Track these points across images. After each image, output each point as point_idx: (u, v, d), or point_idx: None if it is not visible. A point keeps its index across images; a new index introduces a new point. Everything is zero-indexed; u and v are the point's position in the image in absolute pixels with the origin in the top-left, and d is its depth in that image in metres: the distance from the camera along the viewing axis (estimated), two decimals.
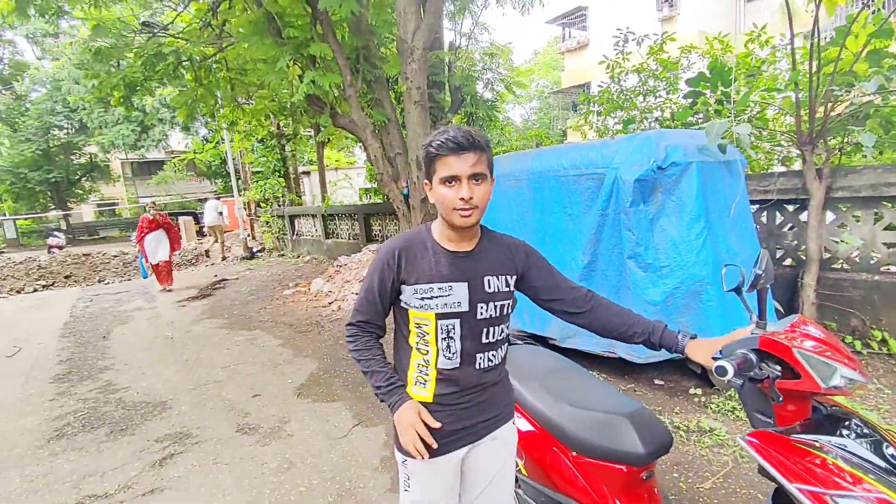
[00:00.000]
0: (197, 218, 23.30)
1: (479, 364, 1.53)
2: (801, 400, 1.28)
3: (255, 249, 15.30)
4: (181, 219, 21.17)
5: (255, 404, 4.21)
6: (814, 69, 3.81)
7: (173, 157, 27.64)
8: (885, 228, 4.01)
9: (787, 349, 1.21)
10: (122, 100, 8.18)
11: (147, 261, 10.18)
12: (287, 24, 6.30)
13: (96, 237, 30.22)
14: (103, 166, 30.44)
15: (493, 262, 1.53)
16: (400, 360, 1.61)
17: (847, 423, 1.27)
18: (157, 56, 7.82)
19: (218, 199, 17.48)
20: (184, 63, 8.33)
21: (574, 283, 1.65)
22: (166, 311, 8.40)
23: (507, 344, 1.65)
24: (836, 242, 4.23)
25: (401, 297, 1.51)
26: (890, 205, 3.95)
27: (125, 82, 7.83)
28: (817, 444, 1.20)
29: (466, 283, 1.47)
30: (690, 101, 4.89)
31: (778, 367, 1.24)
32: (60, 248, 19.10)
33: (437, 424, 1.47)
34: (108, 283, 12.45)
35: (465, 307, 1.47)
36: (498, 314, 1.52)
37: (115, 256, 14.63)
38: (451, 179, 1.38)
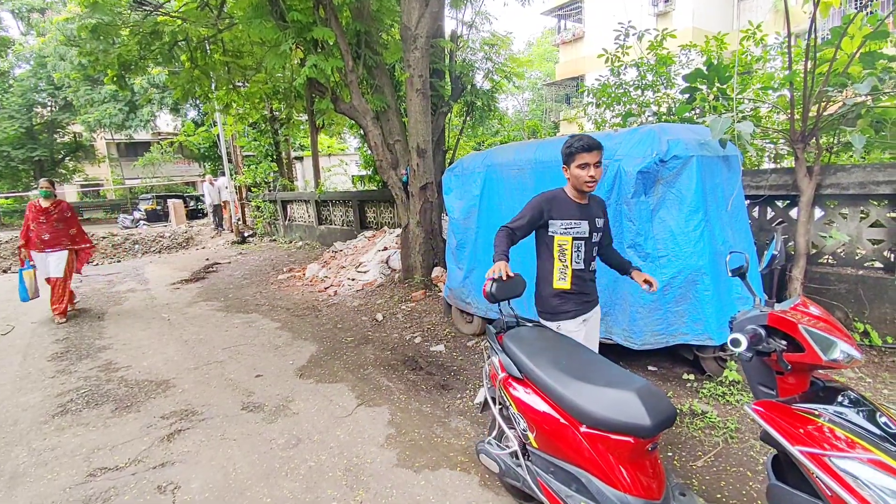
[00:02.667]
0: (186, 200, 23.05)
1: (591, 267, 2.69)
2: (801, 374, 1.40)
3: (246, 234, 15.22)
4: (170, 202, 20.95)
5: (259, 384, 4.28)
6: (808, 69, 3.94)
7: (161, 139, 27.23)
8: (871, 226, 4.18)
9: (793, 325, 1.33)
10: (115, 78, 8.08)
11: (34, 273, 6.46)
12: (289, 7, 6.28)
13: (80, 218, 29.68)
14: (88, 146, 29.80)
15: (596, 209, 2.68)
16: (543, 264, 2.71)
17: (843, 395, 1.40)
18: (152, 35, 7.73)
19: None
20: (179, 43, 8.24)
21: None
22: (160, 293, 8.38)
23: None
24: (824, 238, 4.40)
25: (549, 228, 2.60)
26: (876, 203, 4.12)
27: (119, 60, 7.74)
28: (816, 413, 1.32)
29: (587, 221, 2.59)
30: (688, 96, 5.02)
31: (784, 342, 1.36)
32: None
33: (511, 275, 2.42)
34: (98, 264, 12.34)
35: (586, 234, 2.60)
36: (600, 240, 2.70)
37: (104, 238, 14.48)
38: (584, 165, 2.47)
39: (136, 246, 14.45)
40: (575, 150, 2.47)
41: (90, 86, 22.28)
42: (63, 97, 24.33)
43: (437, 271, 6.81)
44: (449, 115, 7.61)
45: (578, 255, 2.60)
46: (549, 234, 2.60)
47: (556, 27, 25.27)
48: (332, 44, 6.30)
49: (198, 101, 16.64)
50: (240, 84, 10.30)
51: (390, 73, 7.70)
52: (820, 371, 1.50)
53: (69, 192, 32.73)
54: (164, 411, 3.85)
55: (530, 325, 2.60)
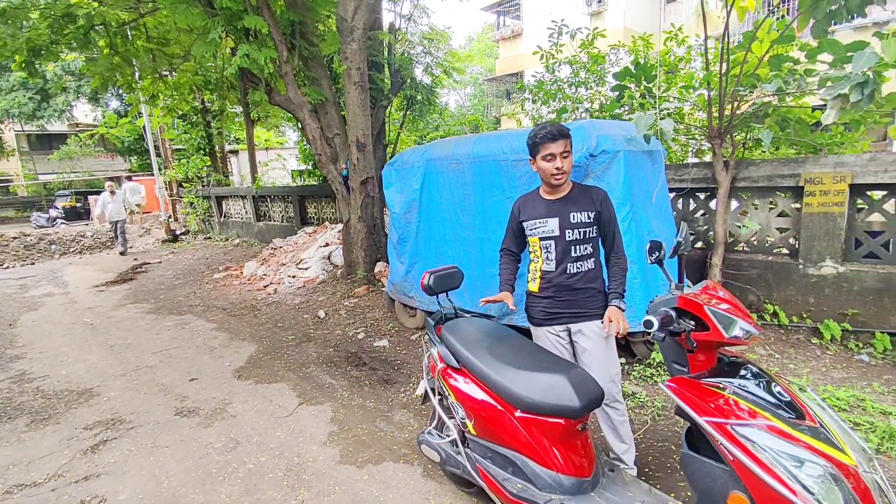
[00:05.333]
0: None
1: (568, 270, 2.38)
2: (708, 351, 1.53)
3: (178, 232, 14.46)
4: (91, 198, 19.53)
5: (193, 387, 4.10)
6: (723, 70, 4.24)
7: (80, 131, 25.31)
8: (779, 215, 4.57)
9: (699, 306, 1.45)
10: (23, 64, 7.42)
11: None
12: None
13: None
14: None
15: (579, 203, 2.37)
16: (529, 266, 2.54)
17: (745, 368, 1.54)
18: (65, 18, 7.15)
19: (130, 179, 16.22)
20: (96, 27, 7.67)
21: (620, 245, 2.44)
22: (82, 296, 7.82)
23: (593, 259, 2.41)
24: (739, 227, 4.76)
25: (524, 231, 2.47)
26: (782, 194, 4.49)
27: (28, 45, 7.11)
28: (722, 386, 1.45)
29: (557, 218, 2.35)
30: (617, 93, 5.25)
31: (692, 322, 1.48)
32: None
33: (512, 307, 2.45)
34: (8, 267, 11.33)
35: (556, 233, 2.36)
36: (582, 237, 2.37)
37: (15, 238, 13.28)
38: (549, 157, 2.26)
39: (53, 246, 13.36)
40: (539, 140, 2.27)
41: None
42: None
43: (380, 266, 6.77)
44: (389, 108, 7.56)
45: (548, 256, 2.40)
46: (526, 235, 2.50)
47: (495, 23, 25.58)
48: (265, 33, 6.08)
49: (120, 91, 15.59)
50: (166, 73, 9.74)
51: (328, 64, 7.54)
52: (726, 348, 1.64)
53: None
54: (86, 422, 3.61)
55: (468, 316, 2.65)
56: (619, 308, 2.25)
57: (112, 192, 12.37)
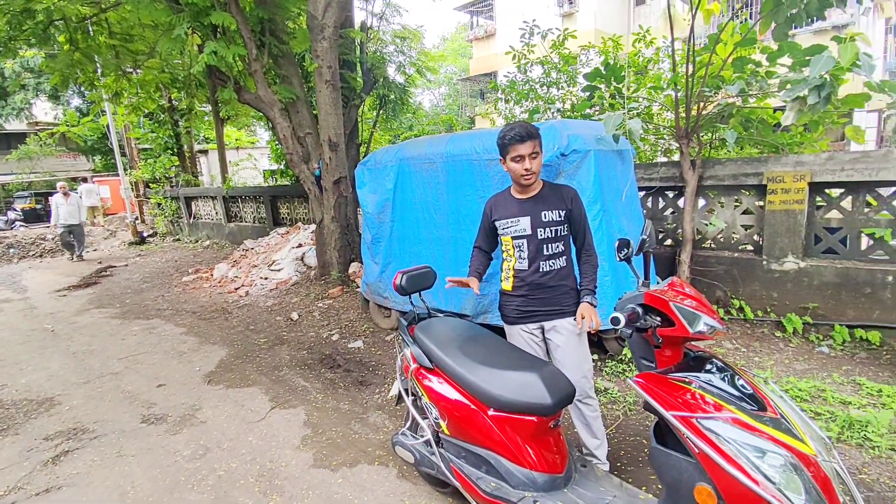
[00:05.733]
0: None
1: (541, 268, 2.39)
2: (675, 346, 1.56)
3: (145, 234, 14.05)
4: (51, 199, 18.80)
5: (161, 394, 3.99)
6: (690, 71, 4.34)
7: (40, 130, 24.32)
8: (743, 213, 4.70)
9: (665, 302, 1.48)
10: None
11: None
12: None
13: None
14: None
15: (550, 202, 2.40)
16: (502, 265, 2.55)
17: (710, 363, 1.57)
18: (24, 13, 6.86)
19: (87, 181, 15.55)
20: (56, 23, 7.39)
21: (590, 243, 2.50)
22: (42, 301, 7.52)
23: (565, 257, 2.45)
24: (706, 225, 4.88)
25: (496, 230, 2.49)
26: (747, 192, 4.63)
27: None
28: (688, 380, 1.48)
29: (528, 217, 2.37)
30: (588, 94, 5.33)
31: (658, 318, 1.51)
32: None
33: (476, 291, 2.45)
34: None
35: (528, 231, 2.38)
36: (553, 235, 2.39)
37: None
38: (517, 158, 2.27)
39: (12, 250, 12.82)
40: (508, 141, 2.28)
41: None
42: None
43: (354, 267, 6.71)
44: (362, 107, 7.50)
45: (521, 254, 2.42)
46: (498, 234, 2.52)
47: (469, 23, 25.64)
48: (233, 30, 5.95)
49: (81, 88, 15.04)
50: (131, 70, 9.44)
51: (299, 63, 7.43)
52: (692, 343, 1.68)
53: None
54: (47, 432, 3.47)
55: (441, 316, 2.65)
56: (591, 304, 2.28)
57: (65, 194, 11.10)
